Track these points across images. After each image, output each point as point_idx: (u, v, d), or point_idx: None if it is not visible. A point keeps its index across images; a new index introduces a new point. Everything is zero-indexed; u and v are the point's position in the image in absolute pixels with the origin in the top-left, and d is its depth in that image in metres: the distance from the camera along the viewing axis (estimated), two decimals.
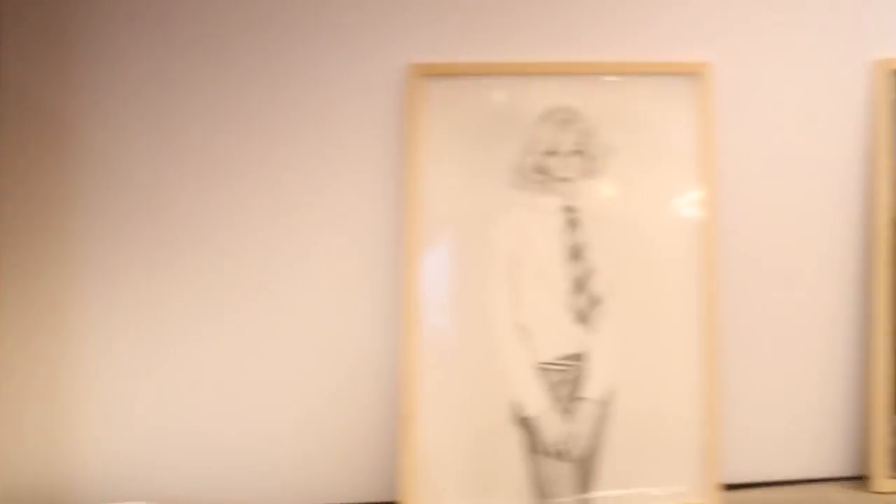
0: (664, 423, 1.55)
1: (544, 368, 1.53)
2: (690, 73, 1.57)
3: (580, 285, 1.54)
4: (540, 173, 1.54)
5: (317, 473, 1.59)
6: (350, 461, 1.59)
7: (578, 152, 1.55)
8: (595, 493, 1.53)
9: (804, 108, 1.64)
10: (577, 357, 1.54)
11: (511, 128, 1.54)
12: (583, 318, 1.54)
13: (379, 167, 1.57)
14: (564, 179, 1.54)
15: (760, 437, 1.67)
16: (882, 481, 1.62)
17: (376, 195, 1.57)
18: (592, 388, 1.54)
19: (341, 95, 1.56)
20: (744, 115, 1.63)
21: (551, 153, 1.54)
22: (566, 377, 1.53)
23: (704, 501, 1.54)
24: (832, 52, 1.64)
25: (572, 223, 1.54)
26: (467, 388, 1.52)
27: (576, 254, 1.54)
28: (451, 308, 1.52)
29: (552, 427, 1.53)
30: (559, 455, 1.53)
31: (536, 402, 1.52)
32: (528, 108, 1.55)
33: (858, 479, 1.69)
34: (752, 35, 1.62)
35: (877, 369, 1.61)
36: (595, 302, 1.54)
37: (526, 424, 1.52)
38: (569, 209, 1.54)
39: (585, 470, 1.53)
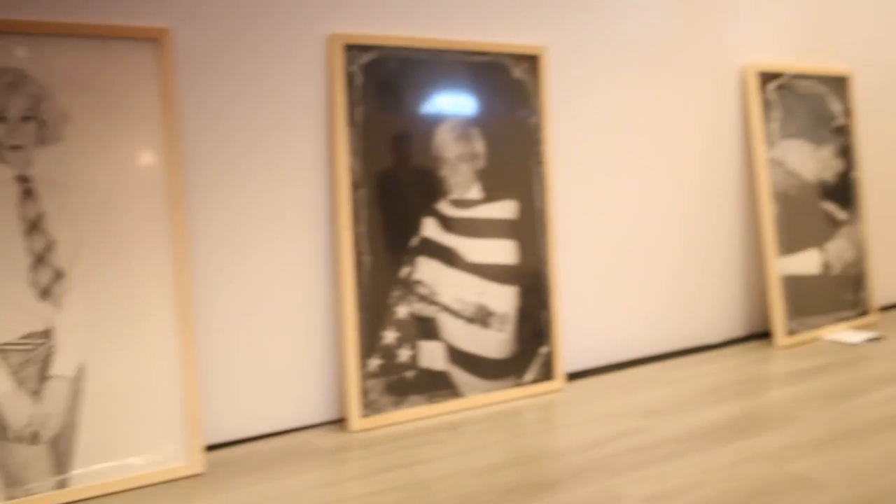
0: (142, 392, 1.59)
1: (5, 349, 1.49)
2: (150, 39, 1.62)
3: (41, 259, 1.52)
4: None
5: None
6: None
7: (31, 118, 1.52)
8: (73, 472, 1.53)
9: (264, 79, 1.78)
10: (42, 335, 1.52)
11: None
12: (46, 293, 1.52)
13: None
14: (16, 147, 1.51)
15: (243, 395, 1.79)
16: (357, 421, 1.84)
17: None
18: (62, 366, 1.53)
19: None
20: (205, 82, 1.72)
21: None
22: (31, 357, 1.51)
23: (188, 465, 1.62)
24: (288, 25, 1.79)
25: (28, 194, 1.52)
26: None
27: (34, 226, 1.52)
28: None
29: (19, 410, 1.49)
30: (29, 439, 1.50)
31: None
32: None
33: (339, 422, 1.90)
34: (211, 4, 1.72)
35: (346, 319, 1.82)
36: (59, 275, 1.53)
37: None
38: (23, 179, 1.51)
39: (61, 450, 1.53)
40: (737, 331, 2.60)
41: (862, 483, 1.50)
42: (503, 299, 2.00)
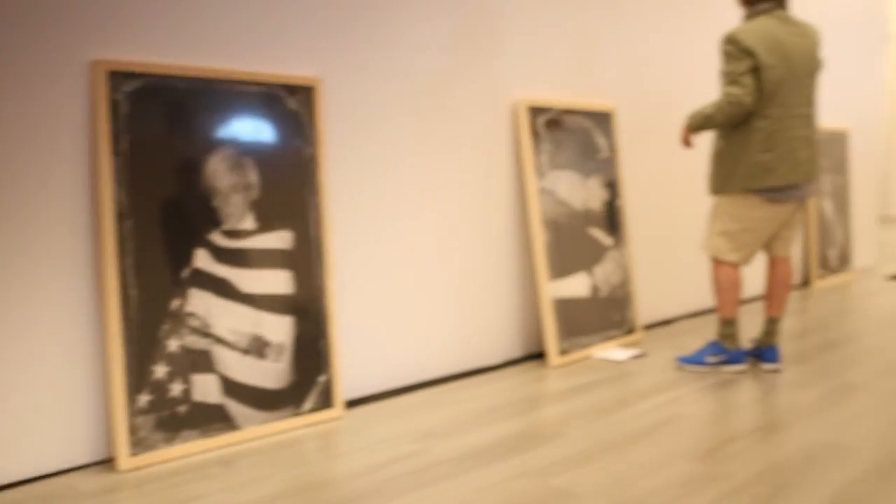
0: None
1: None
2: None
3: None
4: None
5: None
6: None
7: None
8: None
9: (19, 105, 1.71)
10: None
11: None
12: None
13: None
14: None
15: None
16: (125, 460, 1.79)
17: None
18: None
19: None
20: None
21: None
22: None
23: None
24: (48, 49, 1.73)
25: None
26: None
27: None
28: None
29: None
30: None
31: None
32: None
33: (107, 462, 1.84)
34: None
35: (112, 354, 1.77)
36: None
37: None
38: None
39: None
40: (514, 352, 2.74)
41: (618, 492, 1.63)
42: (279, 329, 2.02)
